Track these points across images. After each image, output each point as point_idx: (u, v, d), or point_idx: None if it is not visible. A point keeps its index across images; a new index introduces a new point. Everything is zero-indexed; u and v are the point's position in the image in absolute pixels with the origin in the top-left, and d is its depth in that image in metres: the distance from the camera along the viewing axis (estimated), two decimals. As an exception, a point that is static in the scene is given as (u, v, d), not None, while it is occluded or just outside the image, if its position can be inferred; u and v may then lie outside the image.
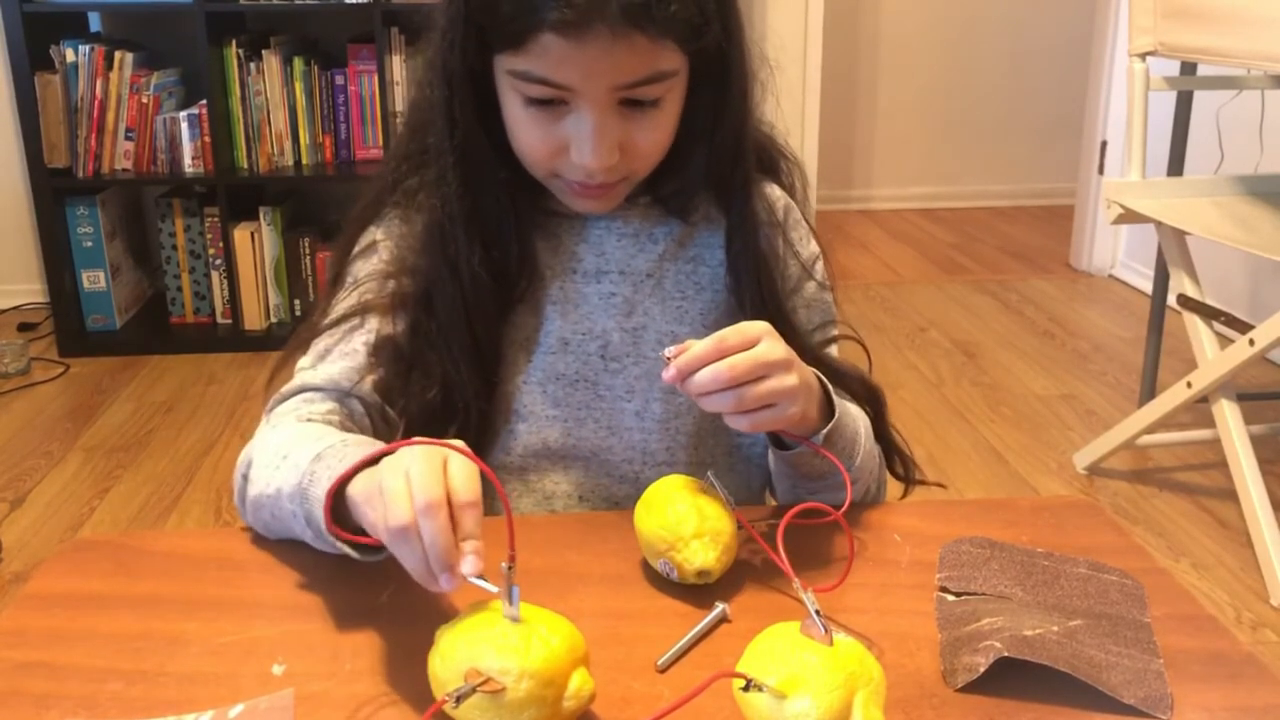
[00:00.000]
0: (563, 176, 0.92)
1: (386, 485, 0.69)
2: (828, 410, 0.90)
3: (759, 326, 0.82)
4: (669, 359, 0.80)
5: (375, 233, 1.00)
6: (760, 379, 0.80)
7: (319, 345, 0.97)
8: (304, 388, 0.95)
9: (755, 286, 0.97)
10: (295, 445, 0.87)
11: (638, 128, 0.88)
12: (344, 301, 0.98)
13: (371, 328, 0.96)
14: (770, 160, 1.05)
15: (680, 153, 0.94)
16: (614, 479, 1.01)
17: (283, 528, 0.86)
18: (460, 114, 0.90)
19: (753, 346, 0.80)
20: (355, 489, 0.76)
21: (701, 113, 0.93)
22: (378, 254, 0.99)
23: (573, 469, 1.01)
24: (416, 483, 0.68)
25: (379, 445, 0.79)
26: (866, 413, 1.00)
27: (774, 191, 1.03)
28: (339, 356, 0.95)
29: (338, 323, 0.97)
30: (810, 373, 0.88)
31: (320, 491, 0.78)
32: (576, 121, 0.87)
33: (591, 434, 1.00)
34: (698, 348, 0.79)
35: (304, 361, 0.97)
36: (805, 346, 0.98)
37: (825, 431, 0.88)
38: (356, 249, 1.00)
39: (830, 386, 0.90)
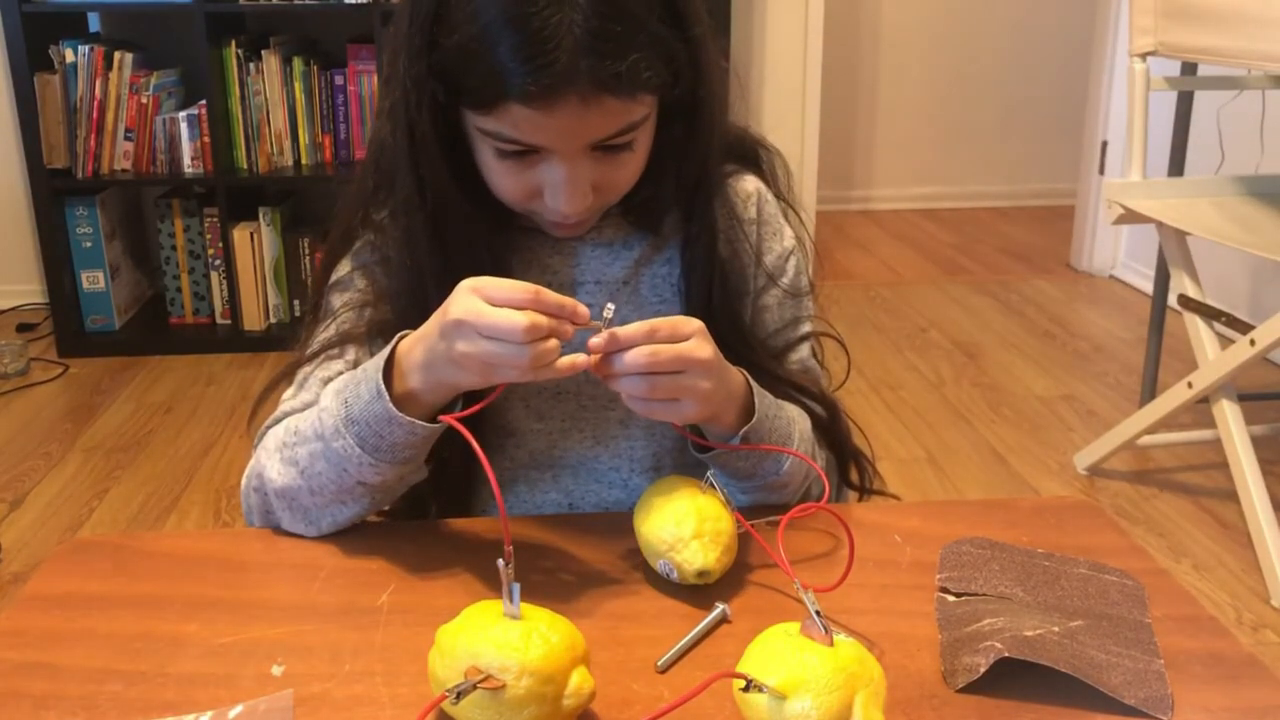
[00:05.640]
0: (537, 212, 0.92)
1: (483, 322, 0.76)
2: (750, 415, 0.90)
3: (693, 324, 0.83)
4: (608, 320, 0.80)
5: (349, 263, 1.00)
6: (677, 373, 0.81)
7: (299, 376, 0.98)
8: (286, 414, 0.96)
9: (705, 300, 0.97)
10: (303, 421, 0.90)
11: (610, 168, 0.88)
12: (323, 334, 0.99)
13: (350, 358, 0.97)
14: (749, 151, 1.04)
15: (651, 174, 0.93)
16: (604, 485, 1.01)
17: (332, 486, 0.87)
18: (428, 171, 0.89)
19: (683, 341, 0.81)
20: (414, 383, 0.83)
21: (672, 142, 0.92)
22: (353, 284, 1.00)
23: (562, 478, 1.01)
24: (495, 296, 0.77)
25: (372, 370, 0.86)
26: (821, 421, 1.01)
27: (747, 185, 1.03)
28: (316, 383, 0.96)
29: (318, 354, 0.98)
30: (738, 377, 0.89)
31: (367, 395, 0.84)
32: (549, 170, 0.86)
33: (578, 444, 1.01)
34: (627, 329, 0.80)
35: (287, 393, 0.98)
36: (765, 354, 0.99)
37: (741, 434, 0.89)
38: (332, 279, 1.01)
39: (757, 391, 0.90)
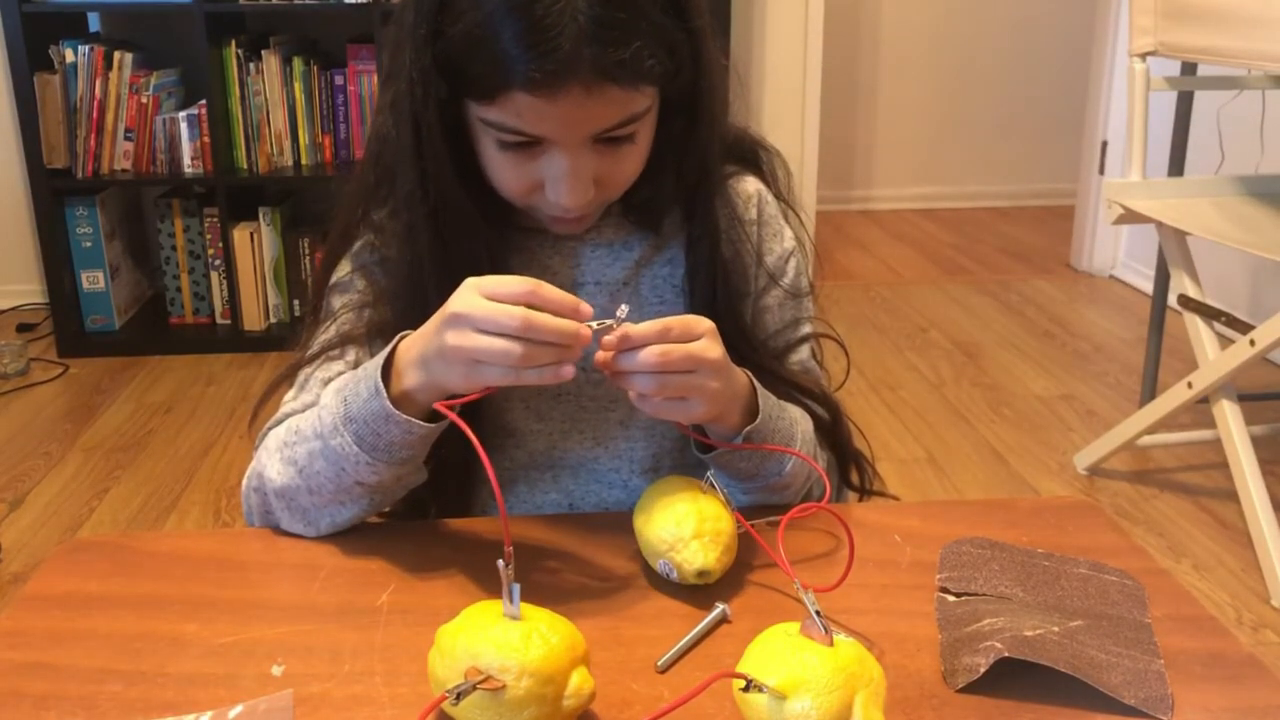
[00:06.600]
0: (539, 207, 0.92)
1: (479, 314, 0.76)
2: (754, 416, 0.90)
3: (704, 324, 0.83)
4: (620, 320, 0.80)
5: (349, 264, 1.00)
6: (687, 372, 0.81)
7: (300, 377, 0.98)
8: (287, 415, 0.96)
9: (709, 299, 0.97)
10: (303, 420, 0.90)
11: (612, 161, 0.89)
12: (323, 335, 0.99)
13: (350, 359, 0.97)
14: (749, 152, 1.04)
15: (651, 172, 0.93)
16: (604, 486, 1.01)
17: (330, 485, 0.87)
18: (431, 165, 0.89)
19: (694, 341, 0.82)
20: (409, 381, 0.83)
21: (672, 138, 0.93)
22: (353, 285, 1.00)
23: (562, 479, 1.02)
24: (493, 291, 0.76)
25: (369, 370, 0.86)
26: (823, 422, 1.01)
27: (748, 186, 1.03)
28: (317, 384, 0.96)
29: (318, 355, 0.98)
30: (742, 378, 0.89)
31: (365, 393, 0.83)
32: (551, 163, 0.86)
33: (578, 445, 1.01)
34: (641, 328, 0.80)
35: (288, 395, 0.98)
36: (767, 355, 0.99)
37: (744, 434, 0.89)
38: (332, 281, 1.01)
39: (761, 392, 0.90)
